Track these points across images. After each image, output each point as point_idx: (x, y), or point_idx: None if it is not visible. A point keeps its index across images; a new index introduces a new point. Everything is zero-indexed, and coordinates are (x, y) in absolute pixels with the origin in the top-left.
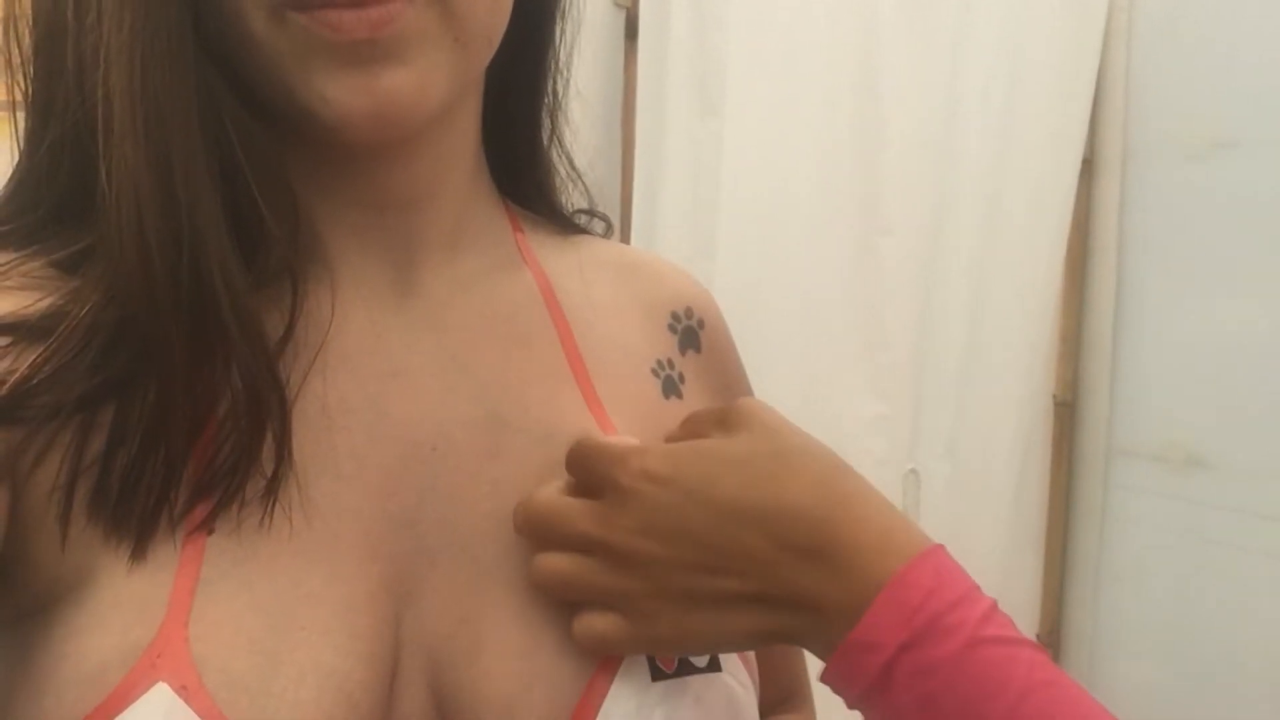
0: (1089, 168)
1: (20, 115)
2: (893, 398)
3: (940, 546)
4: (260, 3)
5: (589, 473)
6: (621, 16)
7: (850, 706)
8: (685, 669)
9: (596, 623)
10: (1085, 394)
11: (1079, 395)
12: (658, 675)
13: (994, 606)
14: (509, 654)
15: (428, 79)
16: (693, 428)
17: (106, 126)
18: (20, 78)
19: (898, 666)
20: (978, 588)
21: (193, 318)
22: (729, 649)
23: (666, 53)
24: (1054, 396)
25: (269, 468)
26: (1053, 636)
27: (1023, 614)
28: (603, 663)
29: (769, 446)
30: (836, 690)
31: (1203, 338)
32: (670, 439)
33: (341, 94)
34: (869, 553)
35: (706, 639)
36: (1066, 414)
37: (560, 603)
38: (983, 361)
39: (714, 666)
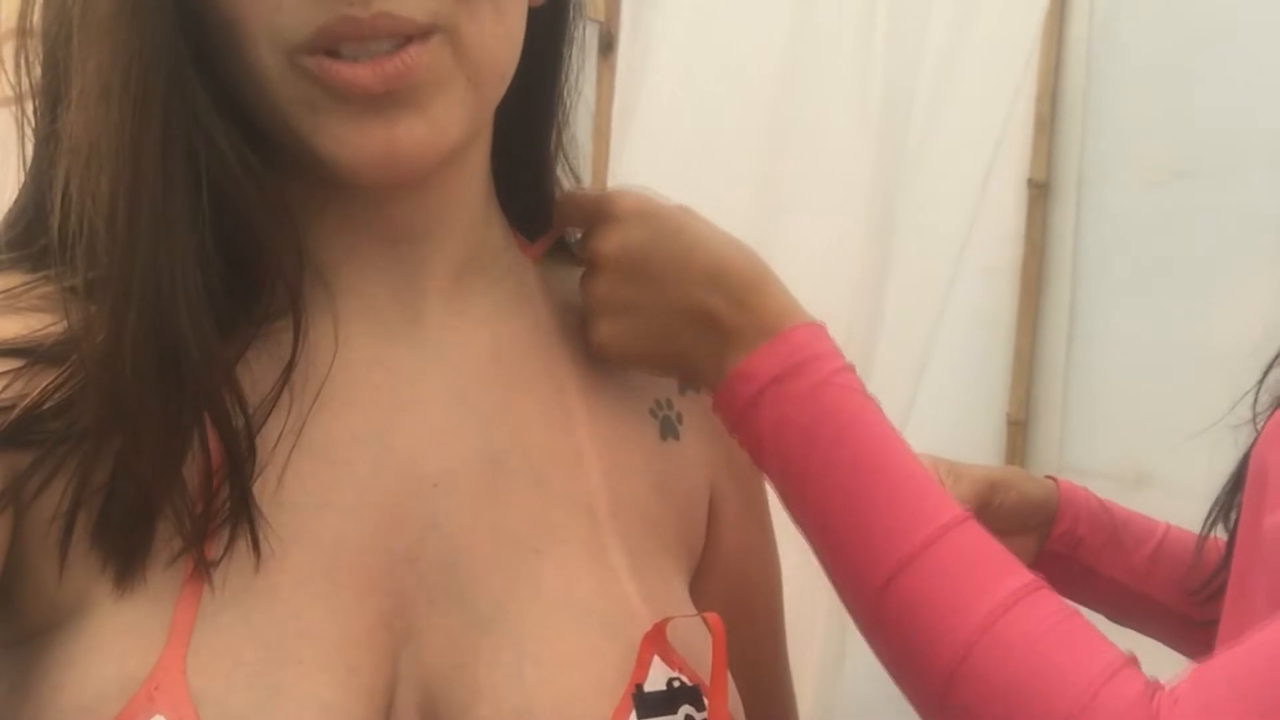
0: (1045, 191)
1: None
2: None
3: (824, 326)
4: (274, 45)
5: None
6: (595, 31)
7: (730, 433)
8: None
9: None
10: (1038, 413)
11: (1032, 414)
12: None
13: (852, 369)
14: (504, 712)
15: (443, 123)
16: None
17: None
18: (30, 107)
19: (765, 395)
20: (842, 356)
21: (165, 394)
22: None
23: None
24: (1007, 415)
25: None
26: None
27: None
28: None
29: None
30: (721, 415)
31: (1154, 359)
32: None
33: (356, 141)
34: (778, 313)
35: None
36: (1019, 432)
37: (556, 665)
38: (935, 379)
39: None
